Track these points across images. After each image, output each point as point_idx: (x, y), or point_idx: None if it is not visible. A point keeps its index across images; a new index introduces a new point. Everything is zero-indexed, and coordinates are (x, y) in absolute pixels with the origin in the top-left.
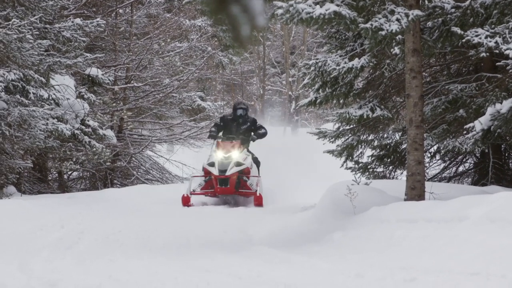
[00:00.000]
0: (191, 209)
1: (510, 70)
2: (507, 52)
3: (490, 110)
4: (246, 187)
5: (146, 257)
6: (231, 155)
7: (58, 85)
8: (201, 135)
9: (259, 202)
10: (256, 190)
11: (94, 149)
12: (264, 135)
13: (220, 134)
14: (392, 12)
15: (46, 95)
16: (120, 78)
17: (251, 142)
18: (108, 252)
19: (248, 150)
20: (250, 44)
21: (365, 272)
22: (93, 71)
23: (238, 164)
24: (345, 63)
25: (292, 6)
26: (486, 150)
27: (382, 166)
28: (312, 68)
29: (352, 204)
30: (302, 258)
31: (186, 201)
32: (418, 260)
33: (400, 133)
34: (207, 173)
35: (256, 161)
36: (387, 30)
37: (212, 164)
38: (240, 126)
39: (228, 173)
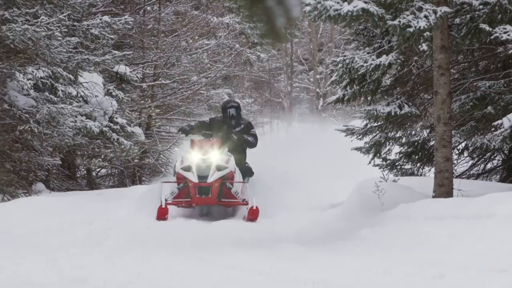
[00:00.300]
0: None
1: None
2: None
3: None
4: (230, 195)
5: (175, 254)
6: (210, 157)
7: (87, 82)
8: None
9: (254, 216)
10: (244, 200)
11: (123, 146)
12: (250, 143)
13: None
14: (420, 9)
15: (74, 93)
16: (148, 76)
17: (233, 142)
18: (137, 249)
19: (243, 158)
20: (283, 40)
21: (393, 269)
22: (121, 68)
23: (220, 167)
24: (373, 60)
25: (320, 3)
26: None
27: (410, 163)
28: (340, 65)
29: (380, 201)
30: (330, 255)
31: (162, 214)
32: (446, 257)
33: (428, 130)
34: (180, 179)
35: (248, 171)
36: (415, 27)
37: (188, 169)
38: (231, 129)
39: (210, 179)
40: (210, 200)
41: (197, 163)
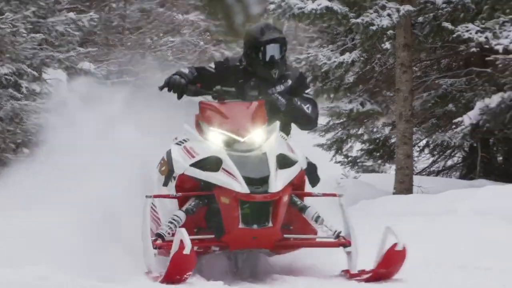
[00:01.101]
0: None
1: (500, 65)
2: (497, 47)
3: (479, 104)
4: (302, 224)
5: None
6: (253, 137)
7: (51, 79)
8: None
9: (396, 264)
10: (339, 235)
11: None
12: (308, 119)
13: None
14: (383, 7)
15: (38, 89)
16: (112, 73)
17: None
18: None
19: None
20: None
21: None
22: (86, 65)
23: (285, 160)
24: (336, 57)
25: (284, 1)
26: (475, 144)
27: (371, 160)
28: (303, 62)
29: None
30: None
31: (185, 268)
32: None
33: (389, 128)
34: (191, 188)
35: (313, 172)
36: (378, 25)
37: (211, 164)
38: (270, 87)
39: (274, 186)
40: (270, 235)
41: (229, 153)
